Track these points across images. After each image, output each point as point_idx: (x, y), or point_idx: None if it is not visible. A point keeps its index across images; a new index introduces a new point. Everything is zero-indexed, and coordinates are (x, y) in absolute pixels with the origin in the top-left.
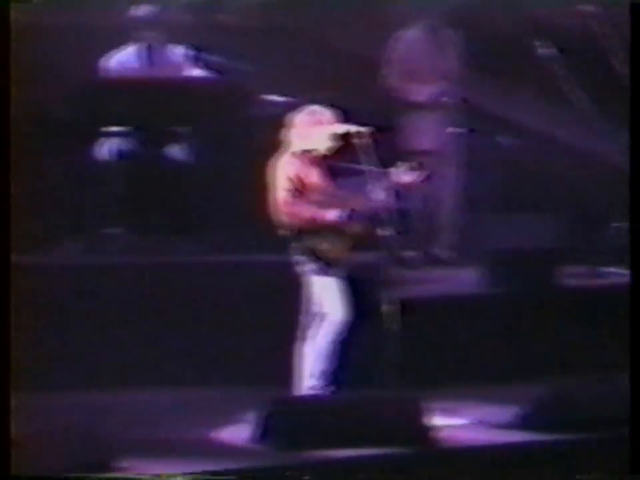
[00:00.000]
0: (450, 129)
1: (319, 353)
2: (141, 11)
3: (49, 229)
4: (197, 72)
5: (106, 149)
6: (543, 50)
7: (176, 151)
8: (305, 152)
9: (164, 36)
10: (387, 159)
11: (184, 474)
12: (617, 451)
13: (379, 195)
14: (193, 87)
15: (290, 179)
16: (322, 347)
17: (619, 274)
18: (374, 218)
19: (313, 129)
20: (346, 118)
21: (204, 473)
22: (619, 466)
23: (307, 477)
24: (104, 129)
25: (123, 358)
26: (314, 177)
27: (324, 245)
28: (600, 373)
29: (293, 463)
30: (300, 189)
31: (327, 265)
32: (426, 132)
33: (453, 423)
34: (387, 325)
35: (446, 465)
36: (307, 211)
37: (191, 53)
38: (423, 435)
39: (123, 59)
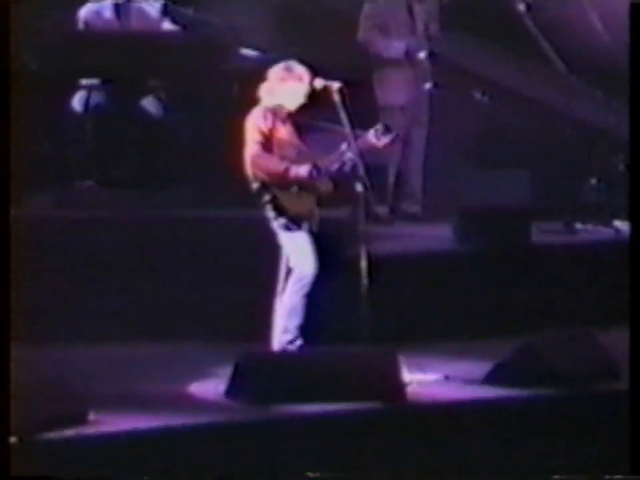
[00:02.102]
0: (422, 85)
1: (289, 308)
2: None
3: (20, 181)
4: (170, 26)
5: (78, 101)
6: (517, 5)
7: (148, 105)
8: (277, 107)
9: None
10: (359, 115)
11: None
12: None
13: (352, 154)
14: (166, 41)
15: (260, 132)
16: (292, 302)
17: (593, 230)
18: (344, 174)
19: (286, 84)
20: (319, 74)
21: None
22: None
23: (277, 432)
24: (76, 82)
25: (95, 312)
26: (284, 132)
27: (292, 200)
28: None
29: (263, 417)
30: (270, 143)
31: (294, 220)
32: (398, 87)
33: (424, 379)
34: (356, 280)
35: (416, 420)
36: (277, 165)
37: (165, 6)
38: (394, 390)
39: (95, 12)
